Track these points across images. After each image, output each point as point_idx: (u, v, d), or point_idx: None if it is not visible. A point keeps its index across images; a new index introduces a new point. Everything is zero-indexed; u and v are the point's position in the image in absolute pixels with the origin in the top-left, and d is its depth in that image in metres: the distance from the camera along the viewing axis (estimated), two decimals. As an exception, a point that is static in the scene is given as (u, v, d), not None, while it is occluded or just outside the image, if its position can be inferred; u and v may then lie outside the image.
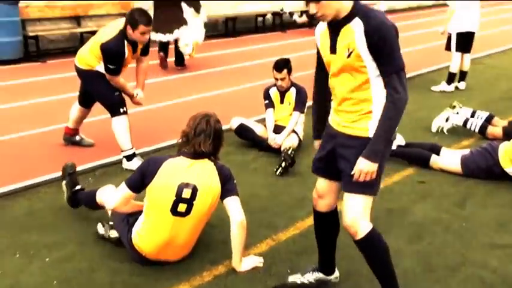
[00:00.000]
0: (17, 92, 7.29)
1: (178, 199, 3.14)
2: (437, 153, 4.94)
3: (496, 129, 5.64)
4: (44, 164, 4.81)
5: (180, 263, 3.31)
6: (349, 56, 2.51)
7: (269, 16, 13.71)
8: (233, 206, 3.20)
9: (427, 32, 12.70)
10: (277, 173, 4.75)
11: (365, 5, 2.56)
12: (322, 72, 2.79)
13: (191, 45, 8.51)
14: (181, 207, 3.15)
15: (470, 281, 3.20)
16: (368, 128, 2.59)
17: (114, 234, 3.44)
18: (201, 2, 8.92)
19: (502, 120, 5.79)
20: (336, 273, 3.14)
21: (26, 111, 6.44)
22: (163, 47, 8.75)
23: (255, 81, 7.87)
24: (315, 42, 2.76)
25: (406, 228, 3.83)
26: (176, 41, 8.56)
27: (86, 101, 5.09)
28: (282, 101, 5.40)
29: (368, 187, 2.62)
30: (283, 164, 4.75)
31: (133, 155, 4.83)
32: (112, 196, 3.41)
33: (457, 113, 5.93)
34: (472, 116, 5.87)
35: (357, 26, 2.47)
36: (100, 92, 4.82)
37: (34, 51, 9.48)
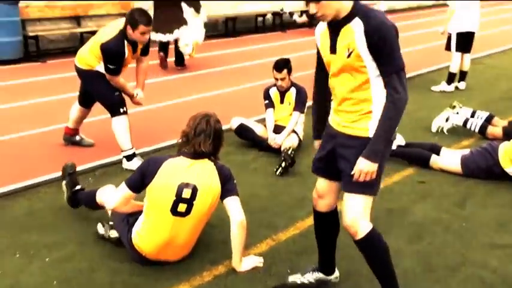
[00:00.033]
0: (17, 92, 7.29)
1: (178, 199, 3.14)
2: (437, 153, 4.94)
3: (496, 129, 5.64)
4: (44, 164, 4.81)
5: (180, 263, 3.31)
6: (349, 56, 2.51)
7: (269, 16, 13.71)
8: (233, 206, 3.20)
9: (427, 32, 12.70)
10: (277, 173, 4.75)
11: (365, 5, 2.56)
12: (322, 72, 2.79)
13: (191, 45, 8.51)
14: (181, 207, 3.15)
15: (470, 281, 3.20)
16: (368, 128, 2.59)
17: (114, 234, 3.44)
18: (201, 1, 8.93)
19: (502, 120, 5.79)
20: (336, 273, 3.14)
21: (26, 111, 6.44)
22: (163, 47, 8.75)
23: (255, 81, 7.87)
24: (315, 42, 2.76)
25: (406, 228, 3.83)
26: (176, 41, 8.56)
27: (86, 101, 5.09)
28: (282, 101, 5.40)
29: (368, 187, 2.62)
30: (283, 164, 4.75)
31: (133, 155, 4.83)
32: (112, 196, 3.41)
33: (457, 113, 5.93)
34: (472, 116, 5.87)
35: (357, 26, 2.47)
36: (100, 92, 4.81)
37: (34, 51, 9.47)
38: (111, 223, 3.49)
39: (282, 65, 5.23)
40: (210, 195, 3.18)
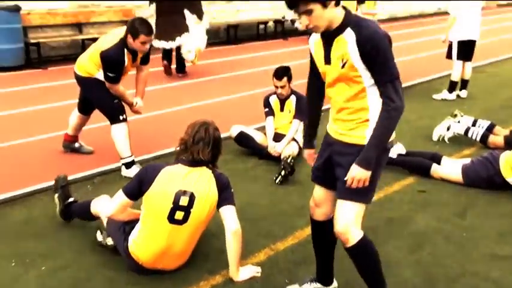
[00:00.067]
0: (18, 98, 7.29)
1: (176, 207, 3.11)
2: (438, 162, 4.91)
3: (497, 138, 5.60)
4: (42, 171, 4.79)
5: (177, 272, 3.28)
6: (343, 66, 2.51)
7: (271, 23, 13.73)
8: (228, 215, 3.18)
9: (429, 40, 12.70)
10: (277, 181, 4.72)
11: (356, 15, 2.57)
12: (314, 78, 2.80)
13: (194, 52, 8.52)
14: (179, 214, 3.12)
15: (470, 292, 3.17)
16: (365, 136, 2.58)
17: (110, 241, 3.42)
18: (203, 9, 8.95)
19: (504, 129, 5.76)
20: (334, 284, 3.11)
21: (26, 118, 6.44)
22: (167, 54, 8.77)
23: (256, 88, 7.86)
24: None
25: (406, 238, 3.80)
26: (178, 48, 8.57)
27: (85, 108, 5.09)
28: (282, 109, 5.38)
29: (361, 195, 2.61)
30: (282, 173, 4.72)
31: (132, 163, 4.81)
32: (108, 204, 3.38)
33: (459, 121, 5.90)
34: (474, 124, 5.84)
35: (349, 37, 2.47)
36: (99, 99, 4.81)
37: (36, 58, 9.49)
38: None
39: (282, 72, 5.22)
40: (207, 203, 3.16)
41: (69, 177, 4.11)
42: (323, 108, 2.96)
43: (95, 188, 4.53)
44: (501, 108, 7.35)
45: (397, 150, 5.04)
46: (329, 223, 2.88)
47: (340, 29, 2.49)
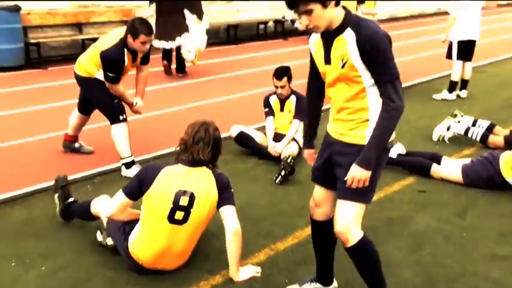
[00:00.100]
0: (18, 98, 7.29)
1: (176, 207, 3.11)
2: (438, 162, 4.91)
3: (497, 138, 5.60)
4: (42, 171, 4.79)
5: (177, 272, 3.28)
6: (343, 66, 2.51)
7: (271, 23, 13.73)
8: (228, 215, 3.17)
9: (429, 40, 12.70)
10: (277, 181, 4.72)
11: (356, 15, 2.57)
12: (314, 78, 2.80)
13: (194, 52, 8.52)
14: (179, 214, 3.12)
15: (470, 292, 3.17)
16: (365, 136, 2.58)
17: (110, 241, 3.42)
18: (203, 9, 8.95)
19: (504, 129, 5.76)
20: (334, 284, 3.11)
21: (26, 118, 6.44)
22: (167, 54, 8.77)
23: (256, 88, 7.86)
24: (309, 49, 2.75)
25: (406, 238, 3.80)
26: (178, 48, 8.57)
27: (85, 108, 5.09)
28: (282, 109, 5.38)
29: (361, 195, 2.61)
30: (282, 173, 4.72)
31: (132, 163, 4.81)
32: (108, 204, 3.38)
33: (459, 121, 5.90)
34: (474, 124, 5.84)
35: (349, 37, 2.47)
36: (99, 99, 4.81)
37: (36, 58, 9.49)
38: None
39: (282, 72, 5.22)
40: (207, 203, 3.16)
41: (69, 177, 4.11)
42: (323, 108, 2.97)
43: (95, 188, 4.54)
44: (501, 108, 7.34)
45: (397, 150, 5.04)
46: (329, 223, 2.88)
47: (340, 29, 2.49)
